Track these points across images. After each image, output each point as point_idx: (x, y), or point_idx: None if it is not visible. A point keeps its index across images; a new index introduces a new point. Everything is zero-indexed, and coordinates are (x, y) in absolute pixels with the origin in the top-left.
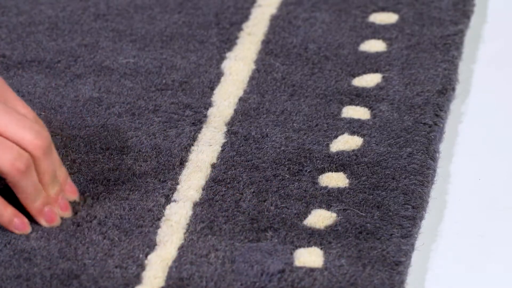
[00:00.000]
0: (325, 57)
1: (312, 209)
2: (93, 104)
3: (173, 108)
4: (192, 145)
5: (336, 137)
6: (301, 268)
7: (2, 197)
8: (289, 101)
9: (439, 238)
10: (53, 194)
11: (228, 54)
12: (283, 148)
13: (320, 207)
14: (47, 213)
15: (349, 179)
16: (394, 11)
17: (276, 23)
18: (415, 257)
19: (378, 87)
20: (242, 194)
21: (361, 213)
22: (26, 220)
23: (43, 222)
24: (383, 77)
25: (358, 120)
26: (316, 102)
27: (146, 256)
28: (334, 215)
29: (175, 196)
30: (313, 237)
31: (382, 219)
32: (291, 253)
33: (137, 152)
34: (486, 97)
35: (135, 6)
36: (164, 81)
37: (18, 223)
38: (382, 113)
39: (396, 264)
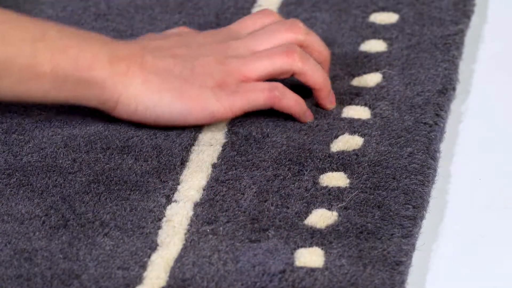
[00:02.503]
0: None
1: (312, 209)
2: None
3: None
4: (193, 145)
5: (336, 137)
6: (302, 268)
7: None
8: None
9: (439, 238)
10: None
11: None
12: (283, 148)
13: (321, 207)
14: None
15: (349, 179)
16: (395, 11)
17: None
18: (416, 257)
19: (379, 86)
20: (243, 194)
21: (361, 212)
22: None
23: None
24: (384, 77)
25: (359, 120)
26: (317, 102)
27: (147, 257)
28: (335, 214)
29: (176, 196)
30: (314, 237)
31: (383, 219)
32: (292, 253)
33: (138, 152)
34: (486, 97)
35: (136, 6)
36: None
37: (309, 114)
38: (383, 112)
39: (396, 264)
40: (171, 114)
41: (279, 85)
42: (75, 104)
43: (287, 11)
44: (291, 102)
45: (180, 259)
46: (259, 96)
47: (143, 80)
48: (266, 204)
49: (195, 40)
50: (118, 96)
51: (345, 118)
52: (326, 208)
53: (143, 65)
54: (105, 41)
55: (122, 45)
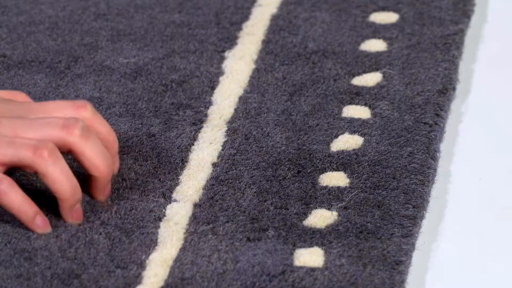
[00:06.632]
0: (325, 56)
1: (312, 209)
2: (93, 104)
3: (173, 108)
4: (193, 144)
5: (336, 136)
6: (301, 267)
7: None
8: (289, 101)
9: (439, 237)
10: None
11: (229, 54)
12: (283, 147)
13: (320, 206)
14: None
15: (349, 178)
16: (395, 10)
17: (276, 22)
18: (416, 256)
19: (379, 86)
20: (243, 193)
21: (360, 212)
22: (46, 219)
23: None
24: (384, 76)
25: (359, 120)
26: (317, 101)
27: (147, 256)
28: (335, 214)
29: (176, 196)
30: (314, 236)
31: (383, 218)
32: (292, 253)
33: (137, 152)
34: (486, 97)
35: (135, 6)
36: (164, 81)
37: (40, 222)
38: (383, 112)
39: (396, 264)
40: None
41: (7, 180)
42: None
43: (287, 10)
44: (15, 202)
45: (179, 259)
46: None
47: None
48: (266, 204)
49: None
50: None
51: (345, 118)
52: (326, 208)
53: None
54: None
55: None
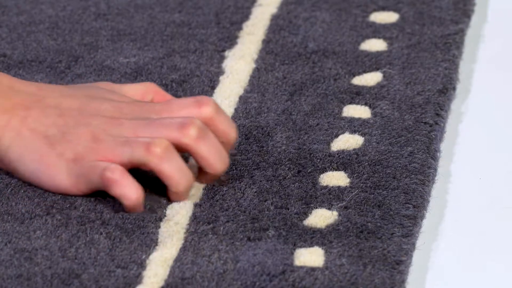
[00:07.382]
0: (325, 56)
1: (313, 209)
2: None
3: None
4: None
5: (336, 136)
6: (301, 267)
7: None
8: (290, 100)
9: (439, 237)
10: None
11: (229, 53)
12: (283, 147)
13: (321, 206)
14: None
15: (350, 178)
16: (395, 10)
17: (277, 22)
18: (416, 256)
19: (379, 86)
20: (243, 193)
21: (361, 212)
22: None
23: None
24: (384, 76)
25: (359, 119)
26: (317, 101)
27: (147, 256)
28: (335, 214)
29: None
30: (314, 236)
31: (383, 218)
32: (292, 253)
33: None
34: (486, 96)
35: (136, 6)
36: (164, 81)
37: (139, 209)
38: (383, 112)
39: (397, 264)
40: (25, 173)
41: (119, 169)
42: None
43: (287, 10)
44: (126, 191)
45: (179, 259)
46: (97, 177)
47: (17, 134)
48: (266, 203)
49: (99, 107)
50: None
51: (345, 117)
52: (326, 208)
53: (25, 119)
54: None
55: (11, 95)
